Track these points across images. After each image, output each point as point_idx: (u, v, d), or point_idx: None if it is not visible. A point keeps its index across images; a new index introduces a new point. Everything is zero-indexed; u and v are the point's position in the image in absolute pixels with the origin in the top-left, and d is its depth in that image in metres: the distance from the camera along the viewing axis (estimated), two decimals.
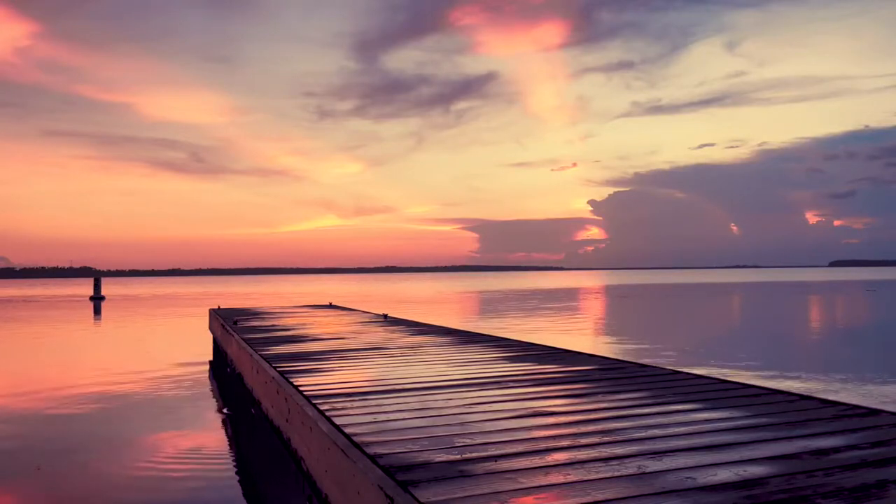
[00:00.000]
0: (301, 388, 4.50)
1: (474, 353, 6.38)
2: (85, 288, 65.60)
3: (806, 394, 4.08)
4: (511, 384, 4.60)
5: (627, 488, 2.35)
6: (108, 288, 63.57)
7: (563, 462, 2.69)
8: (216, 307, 14.50)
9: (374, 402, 4.00)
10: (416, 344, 7.21)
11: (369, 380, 4.91)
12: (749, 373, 10.58)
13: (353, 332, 8.67)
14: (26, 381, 11.40)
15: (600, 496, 2.27)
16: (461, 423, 3.41)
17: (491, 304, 34.38)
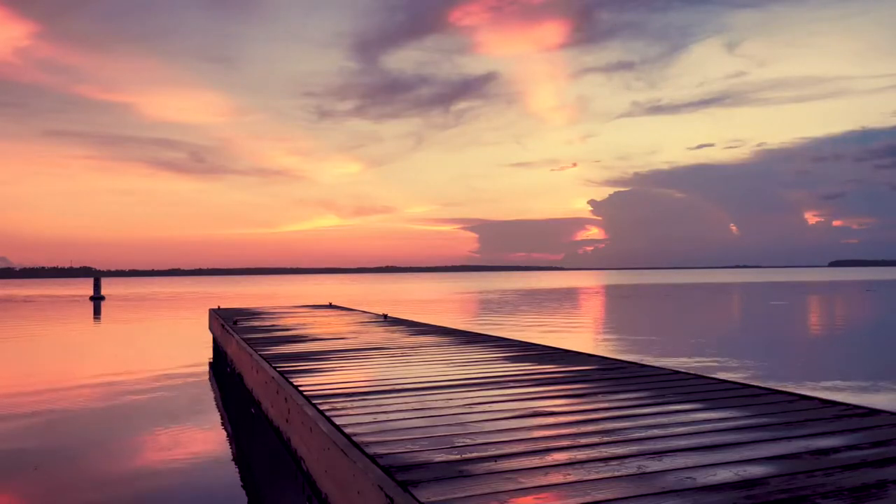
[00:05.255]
0: (301, 388, 4.50)
1: (474, 353, 6.38)
2: (85, 288, 65.60)
3: (806, 394, 4.08)
4: (511, 384, 4.60)
5: (627, 488, 2.35)
6: (108, 288, 63.57)
7: (563, 462, 2.69)
8: (216, 307, 14.50)
9: (374, 402, 4.00)
10: (416, 344, 7.21)
11: (369, 380, 4.91)
12: (749, 372, 10.58)
13: (353, 332, 8.67)
14: (26, 381, 11.40)
15: (600, 496, 2.27)
16: (461, 423, 3.42)
17: (490, 304, 34.38)
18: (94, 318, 28.23)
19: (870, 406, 3.68)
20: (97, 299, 41.95)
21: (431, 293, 51.31)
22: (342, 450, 2.90)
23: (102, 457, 6.59)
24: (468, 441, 3.04)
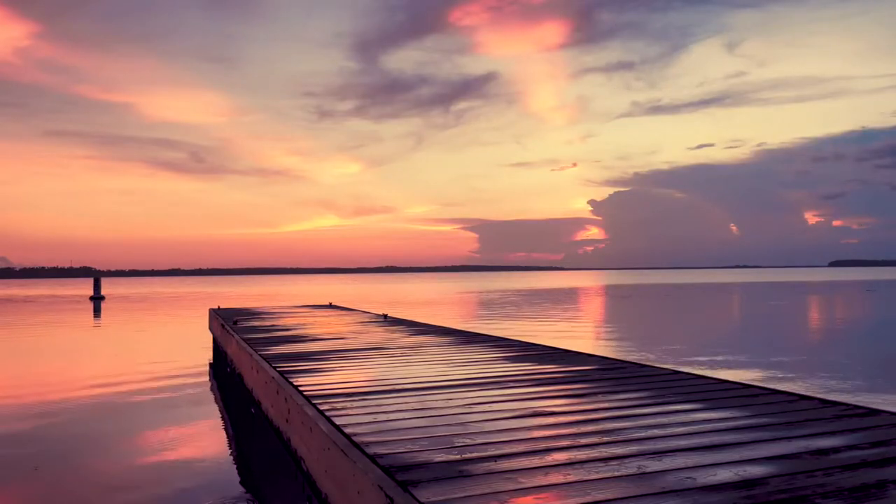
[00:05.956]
0: (301, 388, 4.49)
1: (474, 353, 6.38)
2: (85, 288, 65.58)
3: (806, 394, 4.08)
4: (511, 384, 4.60)
5: (627, 488, 2.35)
6: (108, 288, 63.55)
7: (563, 462, 2.69)
8: (216, 307, 14.50)
9: (374, 402, 4.00)
10: (416, 344, 7.21)
11: (369, 380, 4.91)
12: (749, 373, 10.58)
13: (353, 332, 8.66)
14: (26, 382, 11.40)
15: (600, 496, 2.27)
16: (461, 423, 3.41)
17: (491, 304, 34.38)
18: (95, 318, 28.23)
19: (870, 406, 3.68)
20: (97, 299, 41.95)
21: (431, 293, 51.31)
22: (342, 450, 2.89)
23: (102, 457, 6.59)
24: (468, 441, 3.04)
